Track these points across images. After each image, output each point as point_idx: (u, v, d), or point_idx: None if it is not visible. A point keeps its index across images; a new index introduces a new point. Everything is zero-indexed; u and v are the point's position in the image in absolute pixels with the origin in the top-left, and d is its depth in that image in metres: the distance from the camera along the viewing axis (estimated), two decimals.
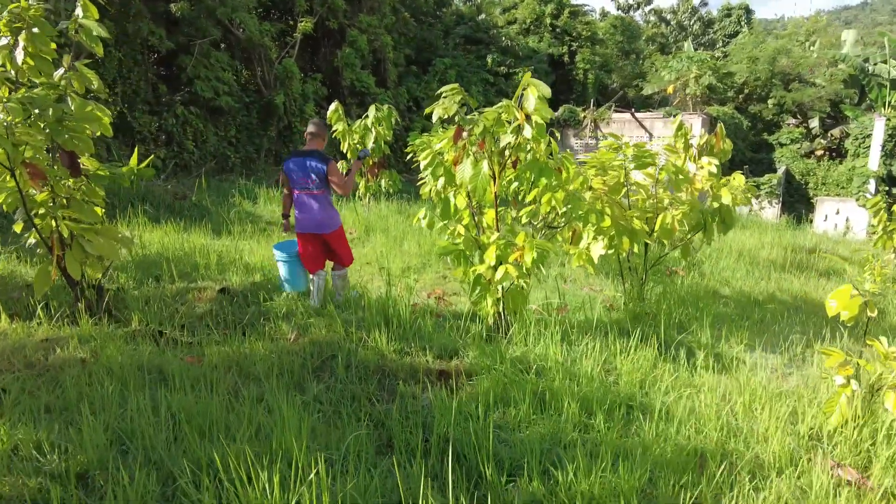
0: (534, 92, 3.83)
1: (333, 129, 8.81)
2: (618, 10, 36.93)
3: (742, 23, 37.13)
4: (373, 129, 8.59)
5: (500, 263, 4.16)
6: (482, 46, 21.24)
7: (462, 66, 19.75)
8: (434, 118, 3.94)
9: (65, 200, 3.83)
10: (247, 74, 14.53)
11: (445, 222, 4.41)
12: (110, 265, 4.43)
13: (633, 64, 29.90)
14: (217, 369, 3.37)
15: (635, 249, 5.38)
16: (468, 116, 3.92)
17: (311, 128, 4.70)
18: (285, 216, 5.08)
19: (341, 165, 9.14)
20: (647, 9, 38.89)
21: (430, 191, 9.51)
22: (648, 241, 5.47)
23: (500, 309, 4.14)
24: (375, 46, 16.40)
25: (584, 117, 17.02)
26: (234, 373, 3.36)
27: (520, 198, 4.90)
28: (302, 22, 14.34)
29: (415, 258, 7.37)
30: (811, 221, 13.99)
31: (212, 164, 12.88)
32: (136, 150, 8.70)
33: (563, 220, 4.43)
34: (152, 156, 9.52)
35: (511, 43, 21.59)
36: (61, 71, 3.79)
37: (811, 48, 18.45)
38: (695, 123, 15.37)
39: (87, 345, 3.53)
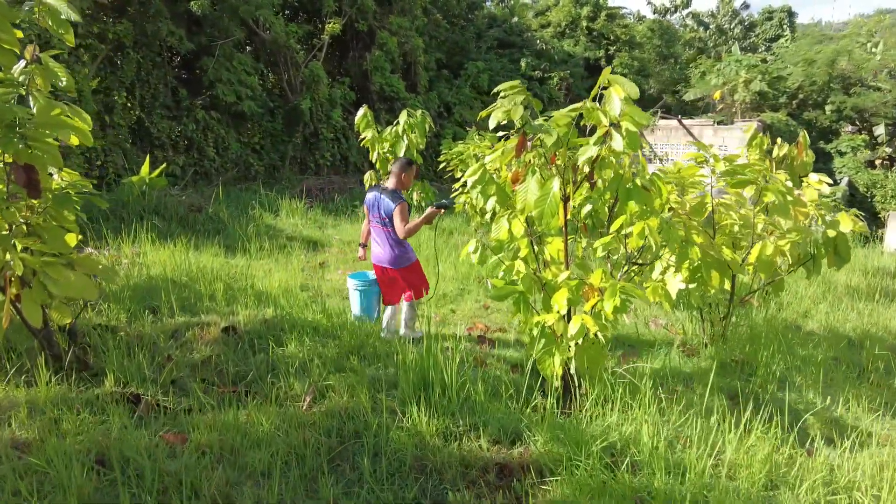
0: (618, 92, 2.93)
1: (362, 136, 7.99)
2: (654, 13, 35.86)
3: (784, 26, 35.66)
4: (405, 137, 7.74)
5: (571, 310, 3.26)
6: (515, 50, 20.38)
7: (495, 70, 18.90)
8: (491, 123, 3.05)
9: (24, 227, 3.04)
10: (273, 79, 13.89)
11: (500, 255, 3.51)
12: (85, 305, 3.64)
13: (672, 69, 28.71)
14: (203, 458, 2.52)
15: (725, 285, 4.42)
16: (536, 122, 3.03)
17: (393, 166, 4.60)
18: (362, 245, 5.10)
19: (369, 176, 8.33)
20: (684, 12, 37.73)
21: (465, 204, 8.62)
22: (742, 275, 4.50)
23: (571, 370, 3.22)
24: (406, 49, 15.63)
25: None
26: (225, 464, 2.51)
27: (589, 222, 3.99)
28: (330, 23, 13.63)
29: (451, 283, 6.50)
30: (881, 239, 12.70)
31: (233, 173, 12.23)
32: (147, 157, 8.05)
33: (653, 254, 3.48)
34: (164, 164, 8.85)
35: (546, 46, 20.67)
36: (22, 64, 3.00)
37: (873, 49, 17.13)
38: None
39: (39, 418, 2.72)
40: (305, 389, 3.23)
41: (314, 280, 6.30)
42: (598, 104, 3.00)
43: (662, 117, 15.30)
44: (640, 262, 3.54)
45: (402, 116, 7.74)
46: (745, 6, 35.93)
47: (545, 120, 3.19)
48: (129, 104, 10.84)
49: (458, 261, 7.08)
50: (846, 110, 16.43)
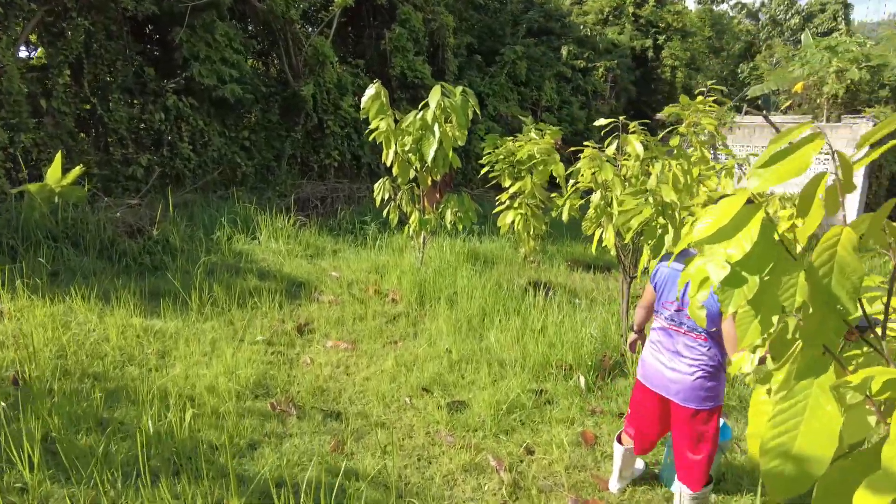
0: None
1: (372, 127, 5.36)
2: (698, 4, 33.08)
3: (839, 19, 32.85)
4: (436, 128, 5.10)
5: None
6: (554, 37, 17.76)
7: (534, 57, 16.27)
8: None
9: None
10: (276, 63, 11.37)
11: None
12: None
13: (724, 63, 25.87)
14: None
15: None
16: None
17: None
18: (636, 331, 3.19)
19: (382, 185, 5.69)
20: (731, 2, 34.96)
21: (516, 222, 5.98)
22: None
23: None
24: (432, 28, 13.02)
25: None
26: None
27: None
28: None
29: (518, 374, 3.79)
30: None
31: (214, 176, 9.68)
32: (59, 155, 5.53)
33: None
34: (80, 166, 6.24)
35: (589, 34, 18.08)
36: None
37: None
38: (860, 132, 11.36)
39: None
40: None
41: (282, 366, 3.67)
42: None
43: (748, 112, 12.48)
44: None
45: (434, 96, 5.07)
46: None
47: None
48: (75, 86, 8.36)
49: (527, 319, 4.38)
50: None
